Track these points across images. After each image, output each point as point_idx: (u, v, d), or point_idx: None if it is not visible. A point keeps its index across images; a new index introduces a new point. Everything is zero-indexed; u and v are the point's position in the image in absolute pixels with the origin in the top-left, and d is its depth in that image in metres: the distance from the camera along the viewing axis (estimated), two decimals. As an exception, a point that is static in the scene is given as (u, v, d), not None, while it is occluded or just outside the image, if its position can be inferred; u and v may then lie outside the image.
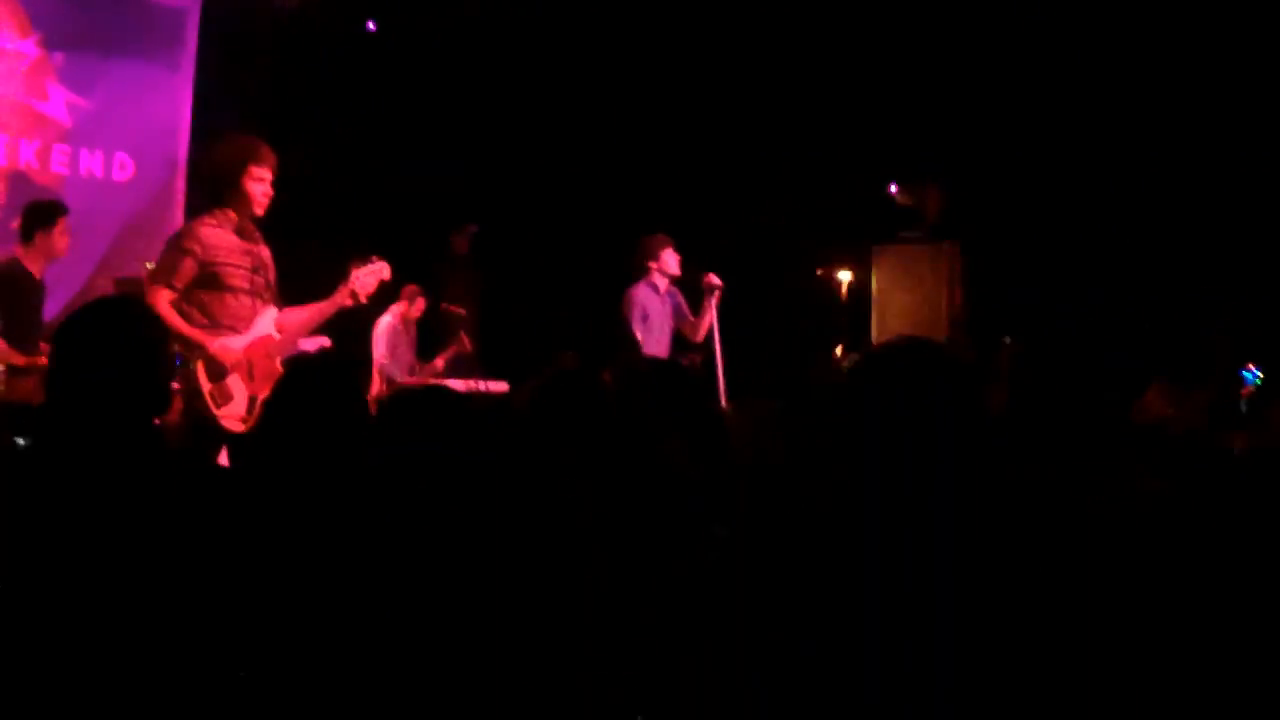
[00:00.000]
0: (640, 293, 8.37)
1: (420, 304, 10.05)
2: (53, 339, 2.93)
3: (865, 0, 9.93)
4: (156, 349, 2.97)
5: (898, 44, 10.02)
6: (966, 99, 10.00)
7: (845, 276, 10.86)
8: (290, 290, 6.29)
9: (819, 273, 11.07)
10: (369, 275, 6.23)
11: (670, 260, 8.44)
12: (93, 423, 2.76)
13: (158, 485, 2.69)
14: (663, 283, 8.45)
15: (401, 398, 3.19)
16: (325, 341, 6.48)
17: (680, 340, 8.50)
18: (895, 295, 10.32)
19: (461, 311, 10.25)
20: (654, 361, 6.96)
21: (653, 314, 8.36)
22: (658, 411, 3.31)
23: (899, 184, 10.61)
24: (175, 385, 5.69)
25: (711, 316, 8.48)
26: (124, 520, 2.60)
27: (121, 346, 2.85)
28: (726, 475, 3.30)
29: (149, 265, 7.96)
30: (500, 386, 9.37)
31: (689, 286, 8.54)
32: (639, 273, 8.45)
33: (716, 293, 8.43)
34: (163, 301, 5.57)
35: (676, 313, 8.51)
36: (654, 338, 8.33)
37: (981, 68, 9.92)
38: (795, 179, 10.44)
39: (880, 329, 10.20)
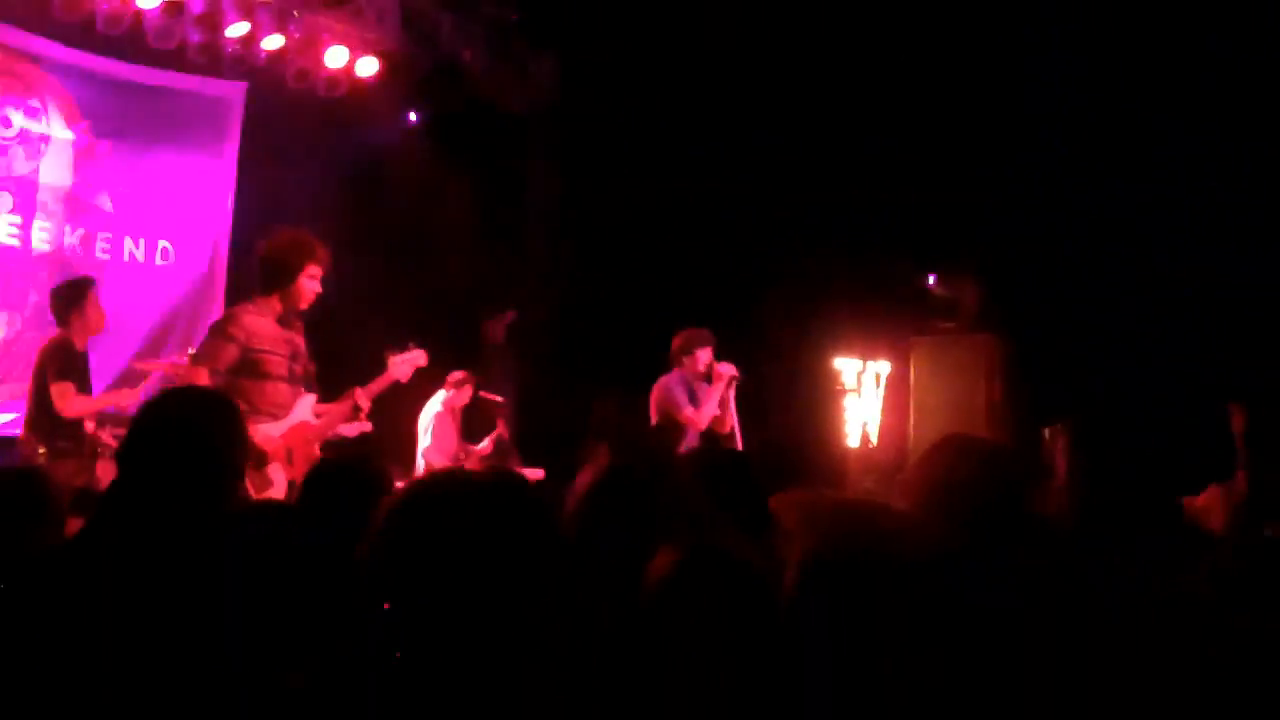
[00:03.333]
0: (674, 382, 8.39)
1: (468, 391, 10.03)
2: (134, 423, 2.95)
3: (903, 89, 9.97)
4: (238, 437, 3.00)
5: (937, 136, 10.06)
6: (1006, 192, 10.01)
7: (885, 367, 10.83)
8: (329, 379, 6.32)
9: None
10: (406, 363, 6.28)
11: (704, 357, 8.48)
12: (170, 507, 2.77)
13: (240, 566, 2.70)
14: (693, 377, 8.47)
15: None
16: (366, 426, 6.50)
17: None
18: (933, 386, 10.30)
19: (498, 398, 10.26)
20: (714, 451, 6.96)
21: (681, 405, 8.38)
22: (717, 502, 3.31)
23: (937, 276, 10.62)
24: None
25: (732, 406, 8.50)
26: (206, 600, 2.61)
27: (205, 434, 2.88)
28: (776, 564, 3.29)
29: (191, 351, 8.06)
30: (536, 474, 9.36)
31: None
32: (675, 362, 8.47)
33: (734, 382, 8.46)
34: (203, 384, 5.60)
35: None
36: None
37: (1018, 160, 9.93)
38: (836, 269, 10.44)
39: (919, 420, 10.17)
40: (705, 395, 8.44)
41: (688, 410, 8.30)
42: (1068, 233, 9.80)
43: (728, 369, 8.47)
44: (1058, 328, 9.80)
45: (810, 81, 10.17)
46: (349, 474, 3.30)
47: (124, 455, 2.94)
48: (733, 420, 8.50)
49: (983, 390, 10.09)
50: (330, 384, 6.28)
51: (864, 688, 2.58)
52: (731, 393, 8.49)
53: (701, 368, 8.48)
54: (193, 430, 2.90)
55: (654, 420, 8.45)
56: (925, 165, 10.13)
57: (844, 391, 10.80)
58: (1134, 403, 8.72)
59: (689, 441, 8.23)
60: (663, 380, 8.47)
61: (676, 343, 8.55)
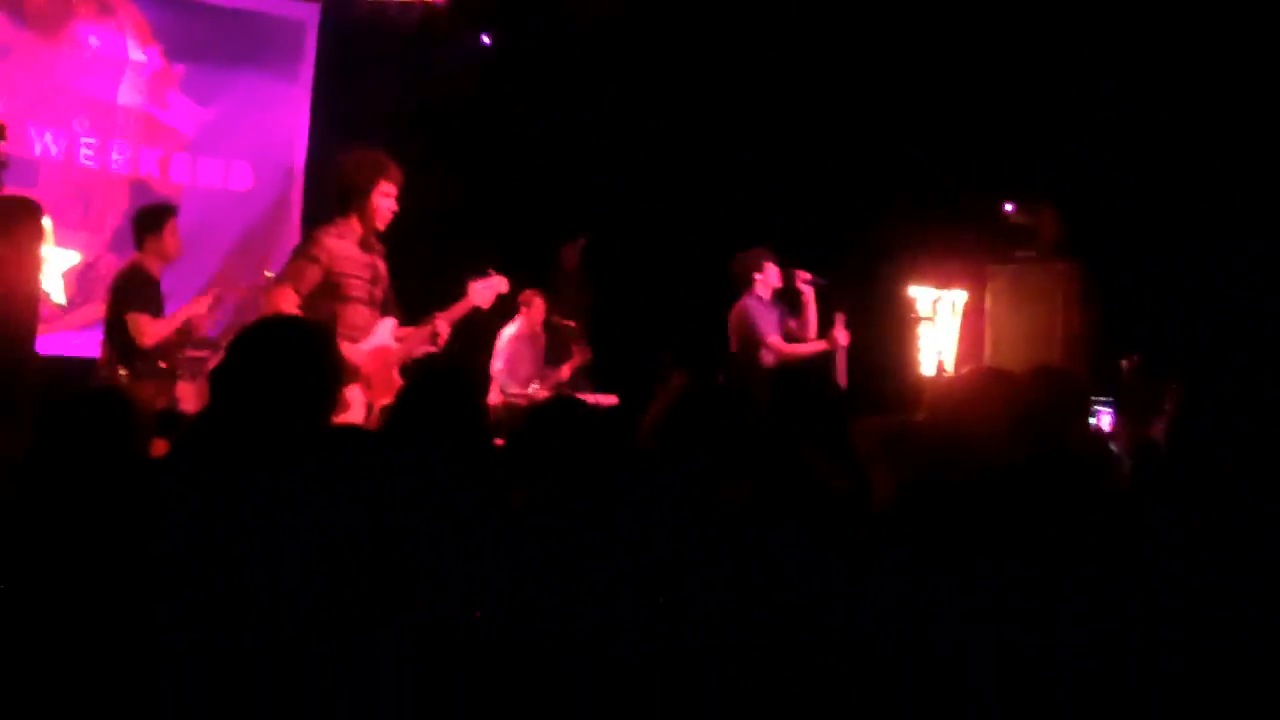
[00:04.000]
0: (753, 303, 8.35)
1: (539, 305, 10.00)
2: (231, 347, 2.96)
3: (976, 19, 9.80)
4: (334, 363, 3.02)
5: (1011, 60, 9.88)
6: (1083, 117, 9.84)
7: (961, 296, 10.71)
8: (407, 303, 6.32)
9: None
10: (486, 289, 6.27)
11: (773, 272, 8.45)
12: (267, 429, 2.79)
13: (333, 489, 2.71)
14: (766, 293, 8.43)
15: (541, 410, 3.20)
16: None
17: None
18: (1009, 315, 10.19)
19: (572, 324, 10.26)
20: (794, 371, 6.96)
21: (766, 322, 8.35)
22: (800, 422, 3.29)
23: (1015, 204, 10.47)
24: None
25: (813, 313, 8.49)
26: (303, 515, 2.62)
27: (302, 360, 2.89)
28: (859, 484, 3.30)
29: (268, 274, 8.10)
30: (610, 400, 9.37)
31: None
32: (744, 285, 8.42)
33: (812, 289, 8.42)
34: (287, 304, 5.61)
35: (783, 321, 8.49)
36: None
37: (1096, 84, 9.75)
38: (911, 197, 10.32)
39: (995, 350, 10.07)
40: (805, 305, 8.43)
41: (772, 336, 8.27)
42: (1146, 158, 9.62)
43: (805, 275, 8.44)
44: (1137, 255, 9.65)
45: (883, 7, 10.02)
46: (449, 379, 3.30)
47: (220, 378, 2.95)
48: (814, 327, 8.49)
49: (1060, 319, 9.95)
50: (409, 308, 6.28)
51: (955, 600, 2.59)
52: (811, 297, 8.48)
53: (777, 281, 8.45)
54: (290, 356, 2.91)
55: (733, 347, 8.43)
56: (1000, 90, 9.97)
57: (919, 320, 10.70)
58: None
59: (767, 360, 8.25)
60: (739, 304, 8.43)
61: (738, 266, 8.51)
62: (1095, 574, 2.67)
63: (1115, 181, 9.79)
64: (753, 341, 8.25)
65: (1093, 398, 6.65)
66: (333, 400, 3.07)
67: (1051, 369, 3.74)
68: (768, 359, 8.25)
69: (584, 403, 3.34)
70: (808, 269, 8.57)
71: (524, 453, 3.06)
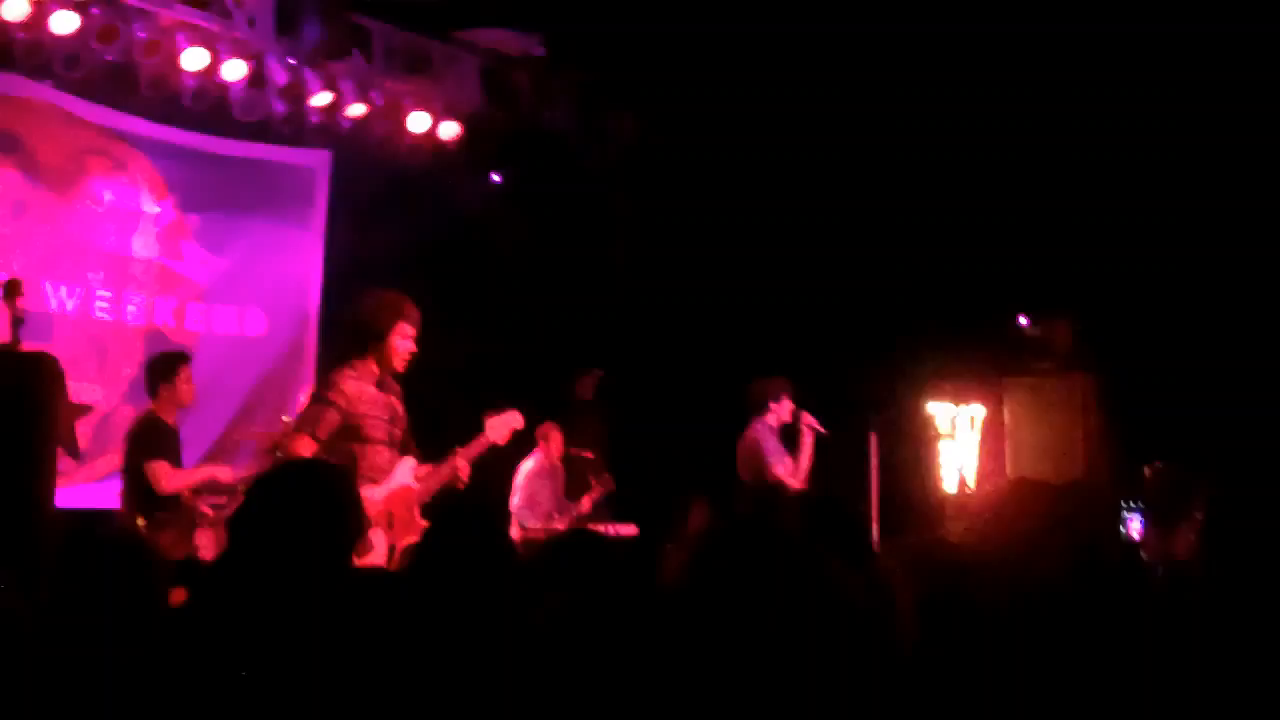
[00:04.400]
0: (763, 431, 8.35)
1: (557, 439, 10.04)
2: (250, 494, 2.95)
3: (991, 131, 9.88)
4: (353, 507, 2.99)
5: (1025, 178, 9.95)
6: (1096, 231, 9.88)
7: (979, 410, 10.68)
8: (424, 441, 6.31)
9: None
10: (501, 424, 6.26)
11: (787, 406, 8.54)
12: (287, 576, 2.76)
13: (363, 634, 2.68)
14: (776, 423, 8.52)
15: (559, 544, 3.17)
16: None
17: None
18: (1028, 427, 10.16)
19: (590, 455, 10.25)
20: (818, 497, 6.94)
21: (769, 453, 8.42)
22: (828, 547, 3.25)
23: (1029, 317, 10.50)
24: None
25: (808, 458, 8.54)
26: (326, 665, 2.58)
27: (321, 504, 2.87)
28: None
29: (285, 419, 8.10)
30: (630, 530, 9.32)
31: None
32: (757, 411, 8.45)
33: (812, 435, 8.47)
34: (305, 451, 5.59)
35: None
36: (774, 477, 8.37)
37: (1110, 199, 9.80)
38: (925, 314, 10.35)
39: (1015, 462, 10.02)
40: (802, 448, 8.41)
41: (779, 468, 8.26)
42: (1159, 270, 9.65)
43: (811, 420, 8.46)
44: (1152, 365, 9.64)
45: (895, 126, 10.10)
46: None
47: (238, 524, 2.94)
48: (806, 471, 8.51)
49: (1080, 429, 9.95)
50: (425, 447, 6.26)
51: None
52: (810, 442, 8.49)
53: (788, 415, 8.48)
54: (309, 499, 2.90)
55: (742, 474, 8.41)
56: (1011, 206, 10.03)
57: (939, 436, 10.66)
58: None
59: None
60: (749, 433, 8.43)
61: (756, 392, 8.54)
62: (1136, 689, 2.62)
63: (1128, 291, 9.81)
64: (762, 470, 8.24)
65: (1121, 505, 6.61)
66: (353, 543, 3.04)
67: (1082, 481, 3.73)
68: (792, 485, 8.23)
69: (602, 536, 3.31)
70: (825, 396, 8.61)
71: (541, 586, 3.02)
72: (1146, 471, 8.07)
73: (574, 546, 3.14)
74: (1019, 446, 10.13)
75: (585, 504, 10.07)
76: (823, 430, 8.53)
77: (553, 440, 10.02)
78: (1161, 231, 9.52)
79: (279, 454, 6.76)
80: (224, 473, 7.37)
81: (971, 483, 10.48)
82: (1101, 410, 10.04)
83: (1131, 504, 7.18)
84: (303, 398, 8.60)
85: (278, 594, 2.74)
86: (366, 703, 2.57)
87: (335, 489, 3.00)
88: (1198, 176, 9.39)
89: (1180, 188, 9.42)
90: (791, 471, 8.46)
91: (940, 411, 10.68)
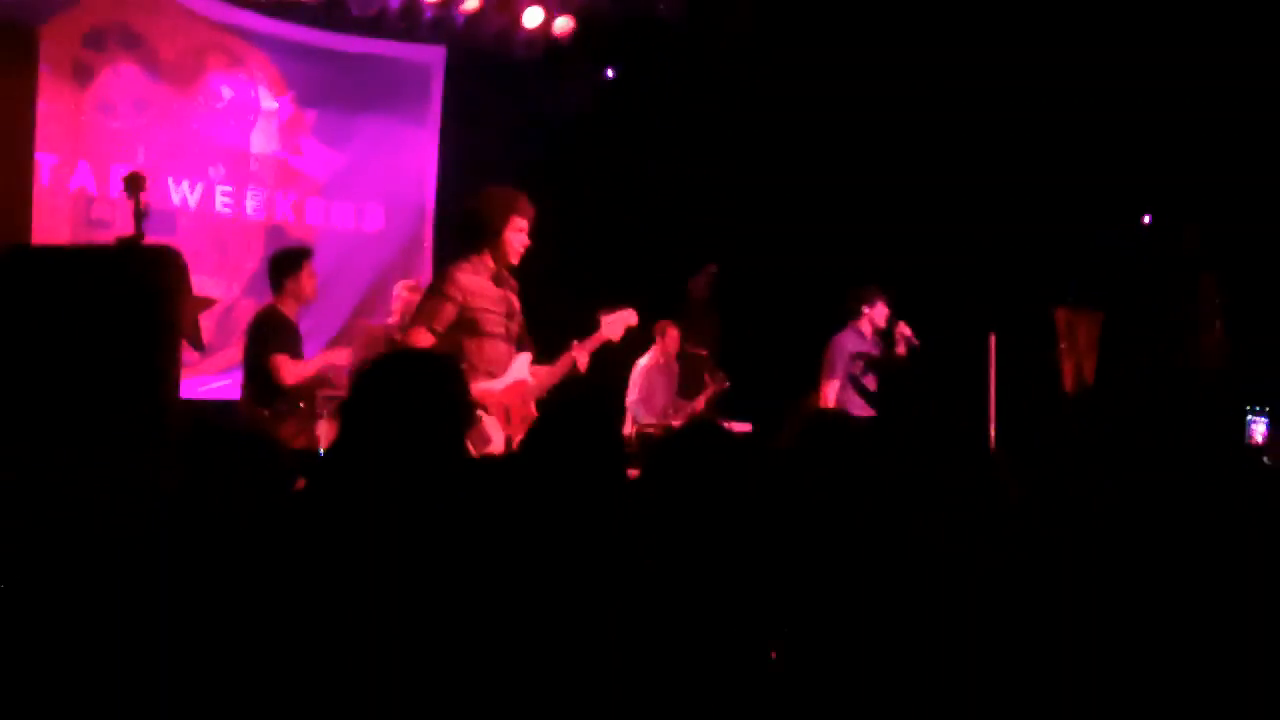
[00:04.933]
0: (849, 337, 8.45)
1: (673, 335, 10.05)
2: (355, 382, 2.97)
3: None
4: (459, 396, 3.02)
5: (1146, 85, 9.70)
6: (1216, 134, 9.62)
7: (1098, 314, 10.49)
8: (540, 338, 6.33)
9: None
10: (617, 321, 6.24)
11: (881, 312, 8.54)
12: (392, 464, 2.77)
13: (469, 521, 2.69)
14: (868, 330, 8.53)
15: (684, 435, 3.16)
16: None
17: None
18: (1149, 328, 9.98)
19: (704, 352, 10.23)
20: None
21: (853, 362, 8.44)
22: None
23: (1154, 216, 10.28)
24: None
25: None
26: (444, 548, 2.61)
27: (426, 394, 2.88)
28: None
29: (393, 306, 8.23)
30: (744, 427, 9.30)
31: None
32: (852, 316, 8.56)
33: (904, 345, 8.50)
34: (423, 344, 5.63)
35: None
36: (849, 389, 8.41)
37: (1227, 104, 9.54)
38: (1044, 214, 10.16)
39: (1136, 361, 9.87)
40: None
41: (830, 385, 8.37)
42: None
43: (907, 330, 8.43)
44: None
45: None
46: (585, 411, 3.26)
47: (346, 414, 2.96)
48: None
49: (1204, 330, 9.77)
50: (540, 342, 6.28)
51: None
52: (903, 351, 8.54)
53: (881, 322, 8.48)
54: (414, 390, 2.90)
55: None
56: (1135, 114, 9.80)
57: (1059, 339, 10.51)
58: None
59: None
60: (835, 338, 8.54)
61: (850, 297, 8.62)
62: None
63: (1252, 194, 9.58)
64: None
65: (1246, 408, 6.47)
66: (462, 432, 3.05)
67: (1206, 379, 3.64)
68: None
69: (725, 428, 3.29)
70: (943, 300, 8.55)
71: (666, 478, 3.01)
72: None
73: (698, 438, 3.12)
74: (1143, 348, 9.94)
75: (700, 402, 10.07)
76: (916, 342, 8.51)
77: (669, 337, 10.02)
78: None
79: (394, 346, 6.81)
80: (342, 356, 7.43)
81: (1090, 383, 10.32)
82: (1225, 313, 9.82)
83: (1256, 408, 7.05)
84: (400, 290, 8.69)
85: (387, 482, 2.75)
86: (475, 589, 2.58)
87: (440, 377, 3.00)
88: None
89: None
90: (834, 395, 8.43)
91: (1062, 313, 10.51)
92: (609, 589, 2.70)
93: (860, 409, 8.17)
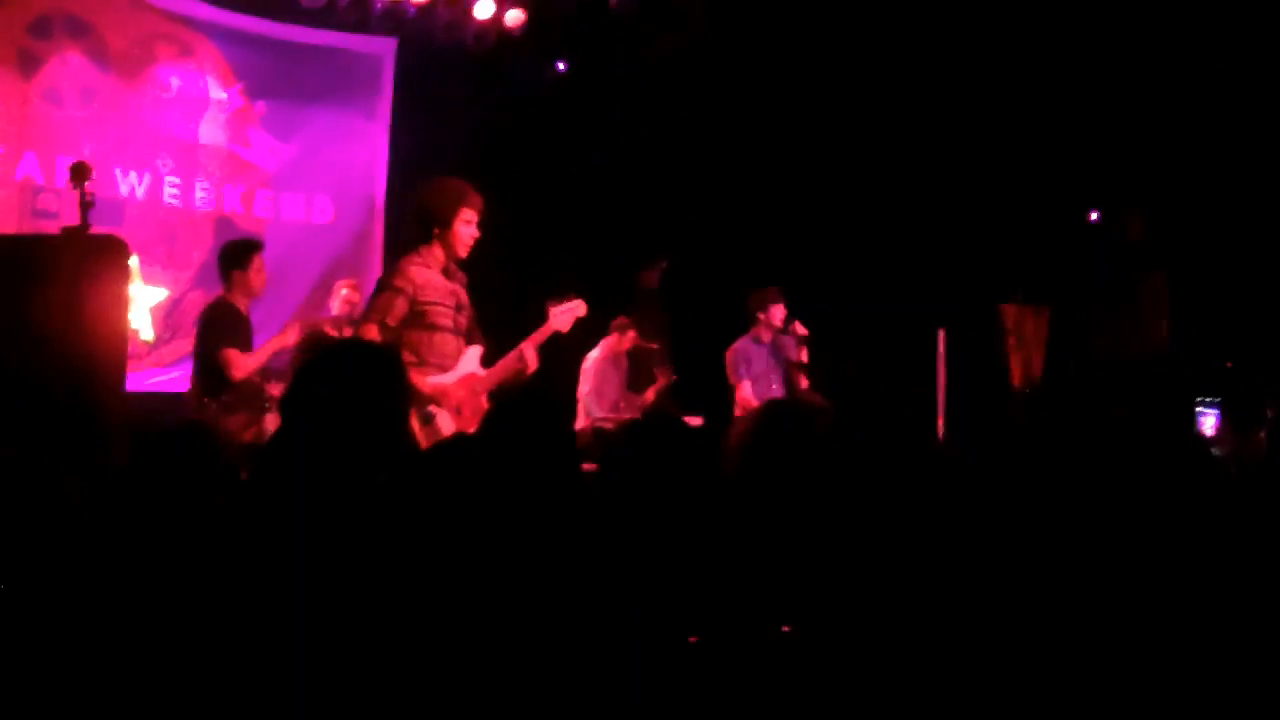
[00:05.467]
0: (743, 345, 8.90)
1: (631, 336, 10.08)
2: (295, 374, 2.97)
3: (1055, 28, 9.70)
4: (398, 387, 3.01)
5: (1095, 73, 9.77)
6: (1167, 127, 9.70)
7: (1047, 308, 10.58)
8: (489, 329, 6.33)
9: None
10: (566, 313, 6.25)
11: (778, 313, 8.87)
12: (337, 459, 2.77)
13: (408, 513, 2.68)
14: (766, 335, 8.90)
15: (638, 427, 3.17)
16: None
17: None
18: (1099, 324, 10.05)
19: (655, 346, 10.24)
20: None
21: (756, 363, 8.84)
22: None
23: (1100, 212, 10.37)
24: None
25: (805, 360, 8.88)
26: (370, 549, 2.60)
27: (371, 385, 2.88)
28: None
29: (334, 306, 8.22)
30: (696, 421, 9.32)
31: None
32: (749, 323, 8.97)
33: (805, 342, 8.85)
34: (375, 338, 5.62)
35: (784, 361, 8.92)
36: (760, 386, 8.77)
37: (1181, 94, 9.61)
38: (994, 208, 10.24)
39: (1086, 357, 9.95)
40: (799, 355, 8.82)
41: (744, 387, 8.78)
42: (1229, 167, 9.49)
43: (799, 327, 8.81)
44: (1222, 263, 9.54)
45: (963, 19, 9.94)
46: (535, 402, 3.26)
47: (286, 407, 2.96)
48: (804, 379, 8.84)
49: (1153, 325, 9.86)
50: (490, 336, 6.27)
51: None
52: (804, 352, 8.84)
53: (778, 322, 8.86)
54: (353, 380, 2.90)
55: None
56: (1084, 105, 9.86)
57: (1007, 334, 10.58)
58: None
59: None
60: (731, 347, 8.94)
61: (748, 304, 8.98)
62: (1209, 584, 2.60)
63: (1199, 188, 9.67)
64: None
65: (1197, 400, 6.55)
66: (403, 420, 3.05)
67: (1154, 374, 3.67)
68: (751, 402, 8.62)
69: (683, 421, 3.30)
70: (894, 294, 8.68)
71: (625, 471, 3.01)
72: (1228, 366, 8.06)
73: (657, 431, 3.13)
74: (1091, 343, 10.03)
75: (649, 395, 10.10)
76: (803, 331, 8.82)
77: (628, 336, 10.06)
78: (1233, 128, 9.34)
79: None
80: (291, 336, 7.39)
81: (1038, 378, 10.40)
82: (1172, 307, 9.91)
83: (1204, 401, 7.12)
84: (340, 290, 8.69)
85: (327, 473, 2.75)
86: (423, 580, 2.58)
87: (380, 366, 3.01)
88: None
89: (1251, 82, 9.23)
90: (750, 393, 8.76)
91: (1009, 309, 10.58)
92: (564, 581, 2.70)
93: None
